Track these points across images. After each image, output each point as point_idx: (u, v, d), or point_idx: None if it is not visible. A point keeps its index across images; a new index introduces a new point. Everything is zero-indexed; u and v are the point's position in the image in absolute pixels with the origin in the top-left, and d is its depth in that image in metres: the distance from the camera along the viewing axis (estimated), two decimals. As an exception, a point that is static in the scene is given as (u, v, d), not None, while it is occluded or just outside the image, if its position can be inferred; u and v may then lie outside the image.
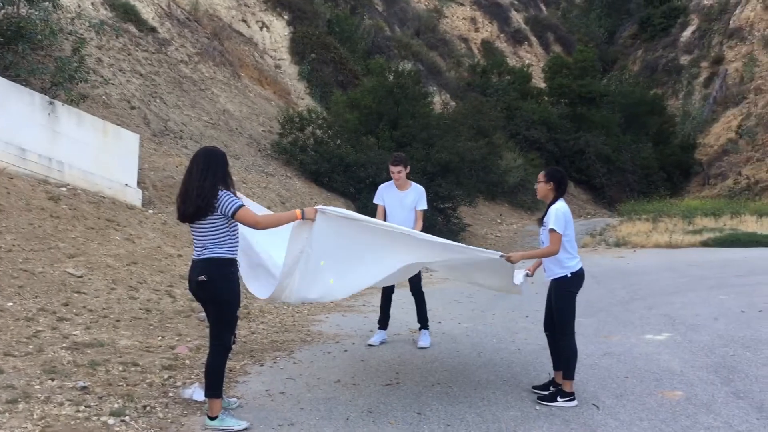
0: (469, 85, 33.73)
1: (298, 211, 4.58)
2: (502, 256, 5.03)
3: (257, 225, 4.52)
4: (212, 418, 4.53)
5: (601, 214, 30.46)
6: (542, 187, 5.25)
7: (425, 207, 6.77)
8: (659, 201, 26.34)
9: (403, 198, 6.73)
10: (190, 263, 4.67)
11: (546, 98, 36.37)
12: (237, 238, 4.60)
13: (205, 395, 4.63)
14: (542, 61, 42.34)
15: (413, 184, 6.84)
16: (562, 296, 5.14)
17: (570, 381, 5.08)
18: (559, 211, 5.07)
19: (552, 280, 5.19)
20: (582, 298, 5.48)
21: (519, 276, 5.50)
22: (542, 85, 38.18)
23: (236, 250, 4.63)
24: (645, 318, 8.04)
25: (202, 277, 4.47)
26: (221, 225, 4.48)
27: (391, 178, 6.80)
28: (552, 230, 5.03)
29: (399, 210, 6.71)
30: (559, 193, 5.21)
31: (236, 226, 4.60)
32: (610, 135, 33.68)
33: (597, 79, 37.63)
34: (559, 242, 5.02)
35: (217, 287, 4.50)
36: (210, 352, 4.61)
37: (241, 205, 4.46)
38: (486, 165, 20.68)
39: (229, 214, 4.42)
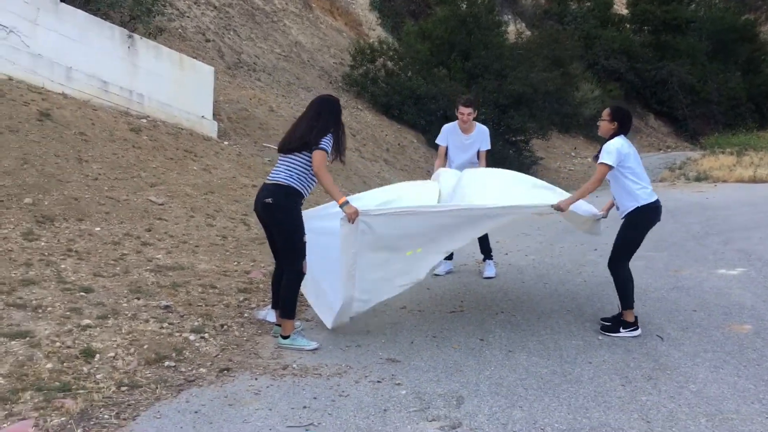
0: (546, 13, 32.50)
1: (342, 199, 4.66)
2: (552, 206, 5.05)
3: (318, 171, 4.63)
4: (285, 338, 4.80)
5: (682, 147, 29.36)
6: (605, 125, 5.13)
7: (489, 147, 6.80)
8: (746, 134, 25.17)
9: (466, 140, 6.77)
10: (264, 192, 4.84)
11: (628, 26, 34.75)
12: (314, 181, 4.77)
13: (280, 316, 4.89)
14: (625, -14, 40.23)
15: (477, 125, 6.82)
16: (627, 226, 5.07)
17: (629, 310, 5.07)
18: (612, 146, 4.98)
19: (625, 215, 5.09)
20: (654, 233, 5.40)
21: (588, 208, 5.49)
22: (624, 11, 36.43)
23: (308, 190, 4.79)
24: (719, 253, 7.86)
25: (269, 200, 4.68)
26: (307, 163, 4.67)
27: (456, 119, 6.81)
28: (601, 163, 4.98)
29: (461, 153, 6.79)
30: (621, 131, 5.10)
31: None
32: (696, 64, 32.04)
33: (684, 4, 35.60)
34: (602, 175, 4.97)
35: (281, 213, 4.69)
36: (285, 277, 4.82)
37: (326, 150, 4.64)
38: (561, 96, 20.18)
39: (312, 146, 4.61)
